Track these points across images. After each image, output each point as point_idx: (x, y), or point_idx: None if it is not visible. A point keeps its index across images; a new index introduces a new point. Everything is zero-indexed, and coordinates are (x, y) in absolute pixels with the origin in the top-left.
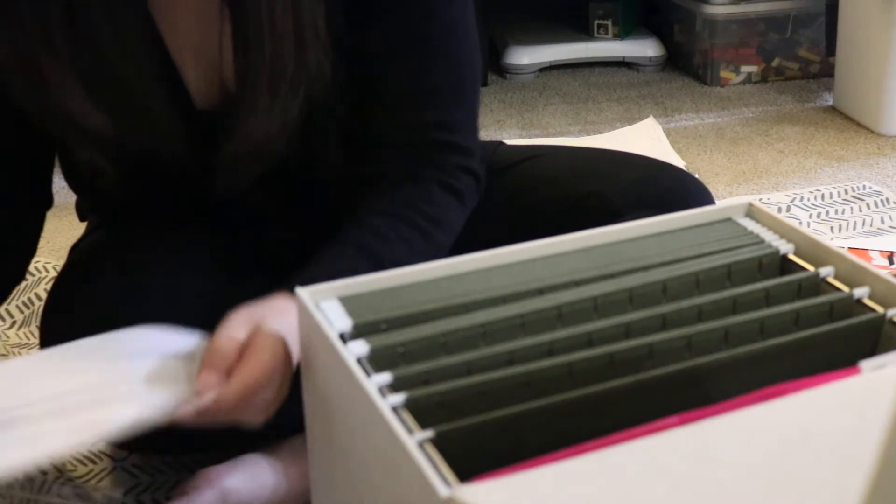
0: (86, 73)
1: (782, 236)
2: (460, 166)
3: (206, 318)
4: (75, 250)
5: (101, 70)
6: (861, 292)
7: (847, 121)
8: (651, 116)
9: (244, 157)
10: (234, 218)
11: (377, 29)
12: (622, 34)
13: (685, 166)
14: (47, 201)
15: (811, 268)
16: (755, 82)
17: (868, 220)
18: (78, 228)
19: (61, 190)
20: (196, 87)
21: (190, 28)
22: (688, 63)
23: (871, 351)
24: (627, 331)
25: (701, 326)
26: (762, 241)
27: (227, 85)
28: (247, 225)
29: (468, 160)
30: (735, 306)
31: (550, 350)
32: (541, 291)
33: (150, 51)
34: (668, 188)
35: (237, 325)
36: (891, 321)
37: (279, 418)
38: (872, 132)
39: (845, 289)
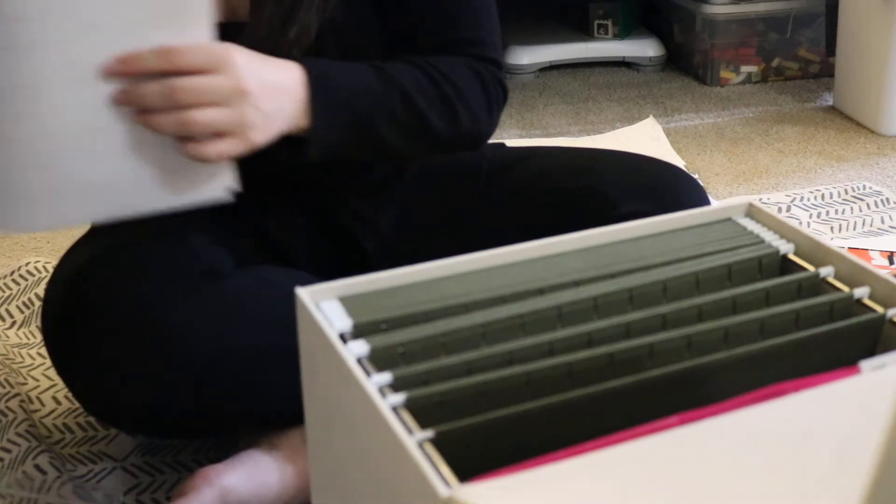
0: None
1: (782, 236)
2: (489, 71)
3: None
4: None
5: None
6: (861, 292)
7: (847, 121)
8: (651, 116)
9: None
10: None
11: None
12: (622, 34)
13: (685, 166)
14: None
15: (811, 268)
16: (755, 82)
17: (868, 220)
18: (78, 228)
19: None
20: None
21: None
22: (688, 63)
23: (871, 351)
24: (627, 331)
25: (701, 326)
26: (762, 241)
27: (237, 13)
28: (256, 210)
29: (496, 70)
30: (735, 306)
31: (550, 350)
32: (541, 291)
33: None
34: (660, 178)
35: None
36: (891, 321)
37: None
38: (872, 132)
39: (845, 289)
